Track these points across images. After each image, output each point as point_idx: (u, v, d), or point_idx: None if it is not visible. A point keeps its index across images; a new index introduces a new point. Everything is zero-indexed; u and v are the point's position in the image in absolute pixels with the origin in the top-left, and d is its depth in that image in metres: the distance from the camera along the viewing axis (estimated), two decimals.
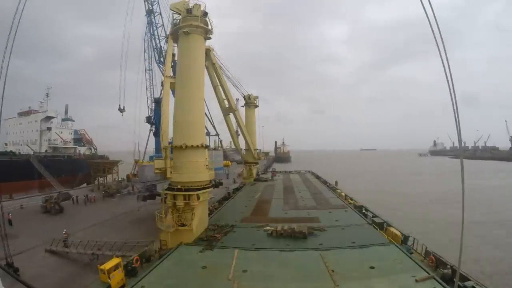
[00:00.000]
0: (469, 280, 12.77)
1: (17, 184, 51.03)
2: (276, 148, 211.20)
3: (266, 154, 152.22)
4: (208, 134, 39.28)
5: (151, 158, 40.47)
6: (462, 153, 9.82)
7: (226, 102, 44.46)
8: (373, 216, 23.92)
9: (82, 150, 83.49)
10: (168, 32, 29.37)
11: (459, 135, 8.07)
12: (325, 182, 51.58)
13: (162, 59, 44.51)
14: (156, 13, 44.44)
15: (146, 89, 47.53)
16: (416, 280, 12.65)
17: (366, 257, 15.56)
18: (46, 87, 77.46)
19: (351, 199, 33.43)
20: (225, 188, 45.26)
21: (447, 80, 8.08)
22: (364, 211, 26.59)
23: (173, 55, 27.74)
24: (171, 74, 25.80)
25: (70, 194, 43.43)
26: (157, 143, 41.37)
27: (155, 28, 44.69)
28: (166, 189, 21.38)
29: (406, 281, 12.79)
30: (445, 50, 8.12)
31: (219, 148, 46.65)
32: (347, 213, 26.46)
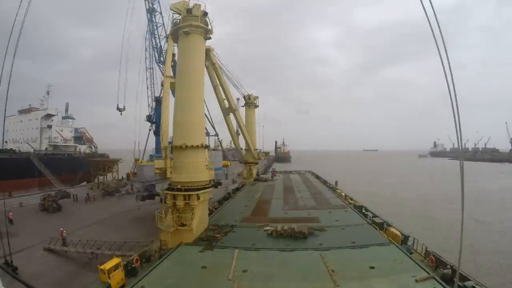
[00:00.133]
0: (469, 280, 12.77)
1: (17, 182, 51.10)
2: (276, 148, 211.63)
3: (267, 154, 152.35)
4: (207, 134, 39.30)
5: (151, 157, 40.49)
6: (462, 154, 9.81)
7: (226, 102, 44.49)
8: (373, 216, 23.93)
9: (83, 148, 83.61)
10: (168, 32, 29.36)
11: (459, 137, 8.05)
12: (325, 182, 51.59)
13: (162, 58, 44.51)
14: (157, 12, 44.44)
15: (147, 87, 47.57)
16: (416, 280, 12.65)
17: (366, 257, 15.56)
18: (47, 84, 77.72)
19: (351, 199, 33.44)
20: (224, 188, 45.24)
21: (447, 81, 8.07)
22: (364, 211, 26.60)
23: (173, 55, 27.75)
24: (171, 74, 25.79)
25: (69, 192, 43.42)
26: (157, 142, 41.38)
27: (155, 27, 44.70)
28: (166, 189, 21.38)
29: (406, 281, 12.79)
30: (446, 51, 8.11)
31: (219, 149, 46.69)
32: (347, 213, 26.46)
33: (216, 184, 33.98)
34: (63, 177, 58.09)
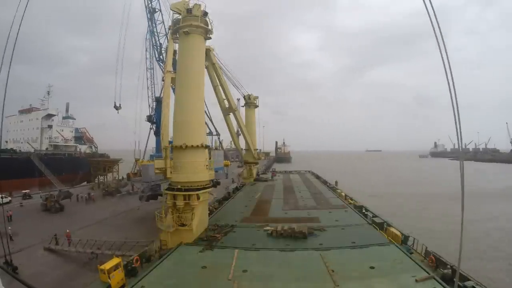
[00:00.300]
0: (469, 280, 12.75)
1: (17, 182, 51.11)
2: (276, 148, 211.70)
3: (267, 154, 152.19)
4: (210, 133, 39.28)
5: (151, 157, 40.50)
6: (462, 155, 9.80)
7: (226, 102, 44.46)
8: (373, 216, 23.91)
9: (83, 148, 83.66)
10: (168, 29, 29.29)
11: (459, 137, 8.04)
12: (325, 182, 51.58)
13: (161, 57, 44.55)
14: (156, 10, 44.49)
15: (148, 88, 47.64)
16: (416, 280, 12.64)
17: (366, 257, 15.55)
18: (48, 85, 77.81)
19: (351, 199, 33.41)
20: (224, 188, 45.22)
21: (447, 81, 8.07)
22: (364, 211, 26.58)
23: (174, 51, 27.56)
24: (172, 69, 25.67)
25: (71, 192, 43.43)
26: (158, 142, 41.41)
27: (154, 25, 44.74)
28: (166, 189, 21.37)
29: (406, 281, 12.78)
30: (446, 51, 8.11)
31: (220, 149, 46.69)
32: (347, 213, 26.45)
33: (214, 184, 33.96)
34: (63, 177, 58.11)
